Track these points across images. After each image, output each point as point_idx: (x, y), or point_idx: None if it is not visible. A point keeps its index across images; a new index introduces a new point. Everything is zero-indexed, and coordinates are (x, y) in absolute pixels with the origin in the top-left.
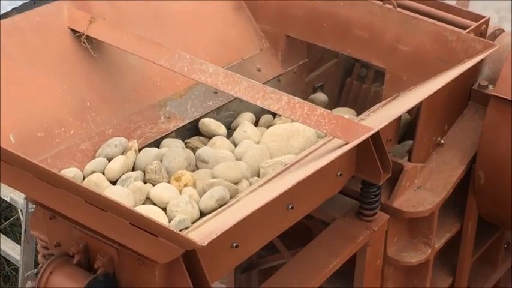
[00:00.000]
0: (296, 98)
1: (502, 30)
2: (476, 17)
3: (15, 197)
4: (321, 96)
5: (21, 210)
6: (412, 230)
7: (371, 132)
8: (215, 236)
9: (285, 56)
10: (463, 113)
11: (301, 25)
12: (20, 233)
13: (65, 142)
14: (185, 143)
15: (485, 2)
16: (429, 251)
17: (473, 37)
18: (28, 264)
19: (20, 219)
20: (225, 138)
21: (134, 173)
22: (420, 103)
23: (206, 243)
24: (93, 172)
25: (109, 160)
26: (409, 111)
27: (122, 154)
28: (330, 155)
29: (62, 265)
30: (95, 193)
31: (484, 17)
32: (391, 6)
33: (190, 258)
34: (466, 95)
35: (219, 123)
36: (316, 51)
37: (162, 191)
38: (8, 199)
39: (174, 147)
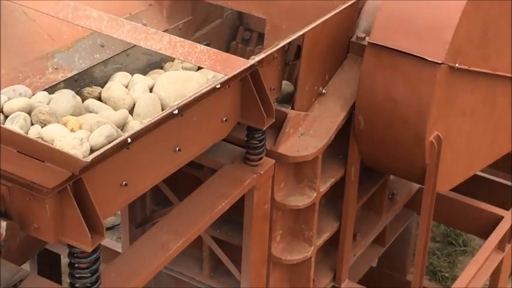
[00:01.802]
0: (177, 37)
1: None
2: None
3: None
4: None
5: None
6: (297, 175)
7: (248, 64)
8: (98, 154)
9: (170, 12)
10: (343, 64)
11: None
12: None
13: None
14: (80, 92)
15: None
16: (314, 194)
17: None
18: None
19: None
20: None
21: (23, 113)
22: (300, 52)
23: (90, 159)
24: None
25: None
26: (289, 78)
27: None
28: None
29: None
30: None
31: None
32: None
33: (80, 191)
34: (345, 47)
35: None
36: (201, 10)
37: (52, 127)
38: None
39: (64, 92)
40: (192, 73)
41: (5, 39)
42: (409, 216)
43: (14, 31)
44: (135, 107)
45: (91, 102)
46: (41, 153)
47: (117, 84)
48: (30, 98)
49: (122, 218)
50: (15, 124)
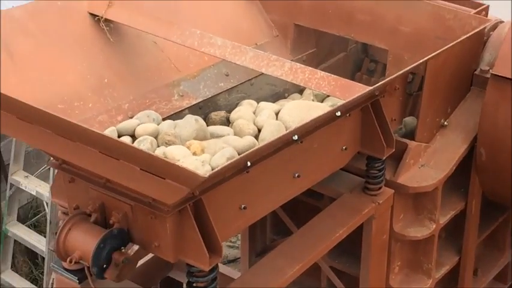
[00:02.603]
0: (298, 64)
1: (501, 22)
2: (476, 5)
3: (41, 190)
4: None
5: (46, 203)
6: (417, 207)
7: (367, 90)
8: (216, 170)
9: (294, 44)
10: (465, 97)
11: (308, 13)
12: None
13: (84, 114)
14: (207, 116)
15: None
16: (434, 226)
17: (469, 14)
18: (53, 255)
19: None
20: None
21: (150, 137)
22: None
23: (208, 174)
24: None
25: None
26: (413, 108)
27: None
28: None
29: (79, 222)
30: (108, 138)
31: (483, 4)
32: None
33: (200, 211)
34: (468, 80)
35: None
36: (326, 43)
37: (176, 148)
38: (34, 193)
39: (187, 118)
40: (319, 103)
41: (135, 67)
42: None
43: (143, 60)
44: (261, 132)
45: (215, 127)
46: (162, 169)
47: (247, 108)
48: (159, 124)
49: (242, 246)
50: (141, 146)
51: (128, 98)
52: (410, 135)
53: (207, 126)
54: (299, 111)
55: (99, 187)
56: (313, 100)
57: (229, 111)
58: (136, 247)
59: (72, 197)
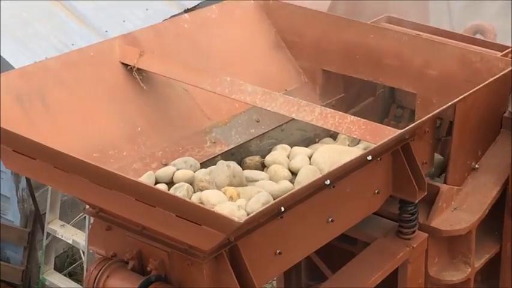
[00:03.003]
0: (328, 109)
1: None
2: (502, 48)
3: (77, 239)
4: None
5: (82, 251)
6: (451, 251)
7: (397, 133)
8: (252, 216)
9: (323, 90)
10: (496, 139)
11: (336, 59)
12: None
13: (119, 162)
14: (242, 161)
15: None
16: (469, 270)
17: (496, 56)
18: None
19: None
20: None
21: (186, 184)
22: (452, 128)
23: (243, 220)
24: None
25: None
26: (441, 153)
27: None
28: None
29: (117, 269)
30: (144, 185)
31: (509, 47)
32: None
33: (236, 257)
34: (497, 122)
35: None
36: (354, 88)
37: (211, 193)
38: (70, 241)
39: (219, 165)
40: (351, 148)
41: (167, 114)
42: None
43: (175, 107)
44: (297, 176)
45: (250, 172)
46: (197, 215)
47: (281, 152)
48: (196, 171)
49: None
50: (178, 193)
51: (161, 145)
52: (437, 173)
53: (244, 170)
54: (332, 155)
55: (136, 234)
56: (348, 145)
57: (262, 157)
58: None
59: (109, 245)
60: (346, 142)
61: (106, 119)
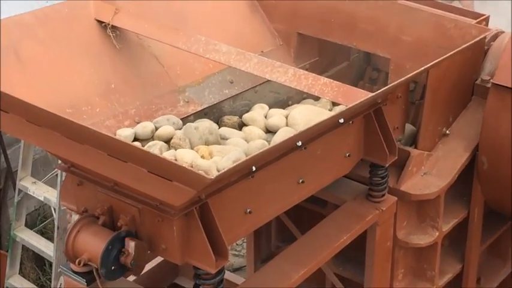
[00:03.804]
0: (301, 70)
1: (502, 32)
2: (476, 15)
3: (49, 196)
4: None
5: (54, 209)
6: (420, 214)
7: (369, 96)
8: (222, 172)
9: (297, 53)
10: (467, 106)
11: (311, 23)
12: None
13: (91, 118)
14: (220, 119)
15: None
16: (437, 234)
17: (469, 24)
18: (61, 260)
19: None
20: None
21: (160, 143)
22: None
23: (214, 176)
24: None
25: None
26: (415, 116)
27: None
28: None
29: (88, 224)
30: (116, 140)
31: (484, 15)
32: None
33: (206, 215)
34: (469, 90)
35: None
36: (328, 52)
37: (185, 152)
38: (42, 198)
39: (187, 128)
40: (328, 111)
41: (141, 73)
42: None
43: (149, 66)
44: (274, 136)
45: (226, 130)
46: (169, 171)
47: (258, 112)
48: (181, 127)
49: (248, 253)
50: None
51: (134, 103)
52: (409, 143)
53: (219, 128)
54: (309, 114)
55: (107, 190)
56: (330, 110)
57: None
58: (132, 243)
59: (80, 200)
60: (328, 106)
61: (80, 76)
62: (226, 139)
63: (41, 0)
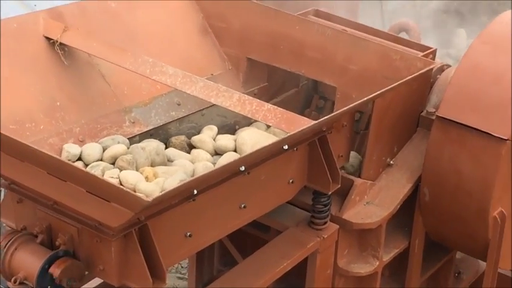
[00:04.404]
0: (246, 96)
1: (448, 66)
2: (424, 48)
3: None
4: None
5: None
6: (361, 244)
7: (312, 124)
8: (161, 194)
9: (246, 78)
10: (412, 137)
11: (261, 48)
12: None
13: (35, 135)
14: (169, 141)
15: None
16: (377, 263)
17: (415, 56)
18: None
19: None
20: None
21: (104, 163)
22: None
23: (151, 199)
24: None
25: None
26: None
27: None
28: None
29: (26, 243)
30: (55, 159)
31: (431, 48)
32: (345, 28)
33: (145, 237)
34: (414, 121)
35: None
36: (277, 78)
37: (129, 174)
38: None
39: (134, 148)
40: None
41: (87, 91)
42: None
43: (96, 85)
44: (219, 160)
45: (172, 151)
46: (107, 192)
47: (207, 132)
48: (128, 147)
49: (189, 276)
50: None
51: (79, 122)
52: (353, 171)
53: (166, 149)
54: (258, 137)
55: (47, 208)
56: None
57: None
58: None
59: (19, 218)
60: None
61: (25, 91)
62: (173, 161)
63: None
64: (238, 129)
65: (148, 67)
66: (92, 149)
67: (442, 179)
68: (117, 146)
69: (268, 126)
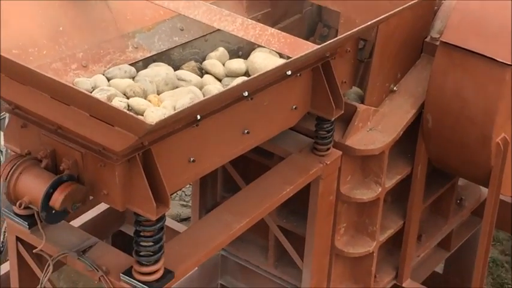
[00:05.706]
0: (249, 20)
1: None
2: None
3: None
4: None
5: (1, 151)
6: (364, 169)
7: (315, 47)
8: (164, 119)
9: (249, 4)
10: (416, 63)
11: None
12: None
13: (38, 60)
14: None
15: None
16: (379, 189)
17: None
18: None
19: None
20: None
21: (113, 89)
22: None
23: (154, 122)
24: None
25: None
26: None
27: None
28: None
29: (30, 167)
30: (59, 83)
31: None
32: None
33: (149, 162)
34: (418, 47)
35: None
36: (281, 4)
37: (137, 100)
38: None
39: (143, 82)
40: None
41: (91, 16)
42: (477, 223)
43: (100, 11)
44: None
45: (182, 72)
46: (111, 116)
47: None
48: (134, 76)
49: (193, 203)
50: (98, 95)
51: (82, 47)
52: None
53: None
54: (269, 59)
55: (51, 133)
56: None
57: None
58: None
59: (24, 142)
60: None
61: (28, 17)
62: (183, 80)
63: None
64: (242, 55)
65: None
66: (100, 83)
67: (446, 105)
68: (126, 81)
69: (281, 56)
